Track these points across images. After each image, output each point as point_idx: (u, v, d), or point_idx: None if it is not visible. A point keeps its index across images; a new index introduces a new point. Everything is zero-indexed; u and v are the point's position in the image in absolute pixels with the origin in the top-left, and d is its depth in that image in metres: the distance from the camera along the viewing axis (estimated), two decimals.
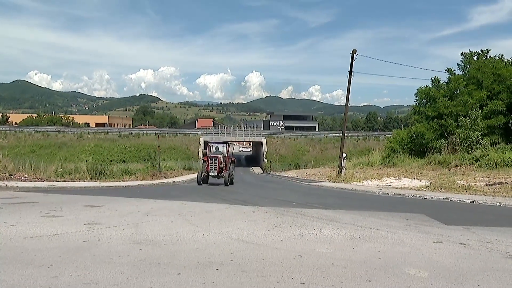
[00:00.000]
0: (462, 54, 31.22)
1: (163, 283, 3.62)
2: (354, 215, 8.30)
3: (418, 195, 12.77)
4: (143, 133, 66.96)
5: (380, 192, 14.50)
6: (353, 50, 22.51)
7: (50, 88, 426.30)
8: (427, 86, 28.98)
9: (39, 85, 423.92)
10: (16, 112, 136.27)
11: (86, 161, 26.24)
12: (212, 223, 6.79)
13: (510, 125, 25.08)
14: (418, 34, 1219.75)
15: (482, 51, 30.67)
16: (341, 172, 22.87)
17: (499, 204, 10.40)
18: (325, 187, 19.02)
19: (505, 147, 22.51)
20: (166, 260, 4.40)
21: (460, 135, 23.86)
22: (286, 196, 14.08)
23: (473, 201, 11.00)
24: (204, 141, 56.41)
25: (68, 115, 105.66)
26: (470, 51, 31.06)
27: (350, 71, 23.02)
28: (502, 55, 29.17)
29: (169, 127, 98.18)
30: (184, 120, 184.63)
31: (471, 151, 22.30)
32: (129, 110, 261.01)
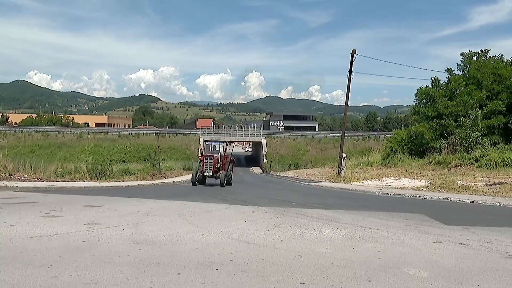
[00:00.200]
0: (461, 54, 31.13)
1: (163, 283, 3.61)
2: (353, 215, 8.30)
3: (417, 195, 12.75)
4: (143, 133, 67.03)
5: (380, 192, 14.49)
6: (353, 50, 22.49)
7: (50, 88, 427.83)
8: (427, 86, 28.99)
9: (39, 85, 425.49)
10: (16, 112, 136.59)
11: (86, 161, 26.33)
12: (212, 223, 6.79)
13: (509, 125, 25.09)
14: (418, 34, 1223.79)
15: (481, 51, 30.59)
16: (340, 172, 22.86)
17: (498, 204, 10.40)
18: (324, 187, 18.99)
19: (504, 147, 22.49)
20: (166, 260, 4.40)
21: (460, 135, 23.87)
22: (285, 196, 14.06)
23: (472, 201, 10.99)
24: (204, 141, 56.18)
25: (68, 115, 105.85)
26: (469, 51, 30.97)
27: (350, 71, 23.02)
28: (502, 55, 29.17)
29: (168, 127, 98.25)
30: (184, 120, 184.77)
31: (471, 151, 22.29)
32: (128, 110, 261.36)
